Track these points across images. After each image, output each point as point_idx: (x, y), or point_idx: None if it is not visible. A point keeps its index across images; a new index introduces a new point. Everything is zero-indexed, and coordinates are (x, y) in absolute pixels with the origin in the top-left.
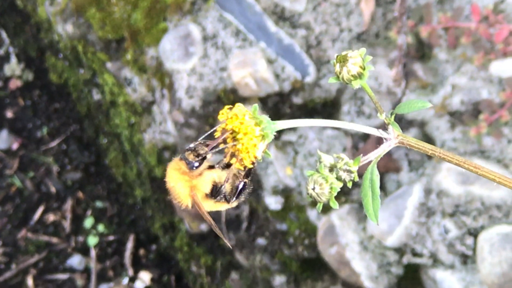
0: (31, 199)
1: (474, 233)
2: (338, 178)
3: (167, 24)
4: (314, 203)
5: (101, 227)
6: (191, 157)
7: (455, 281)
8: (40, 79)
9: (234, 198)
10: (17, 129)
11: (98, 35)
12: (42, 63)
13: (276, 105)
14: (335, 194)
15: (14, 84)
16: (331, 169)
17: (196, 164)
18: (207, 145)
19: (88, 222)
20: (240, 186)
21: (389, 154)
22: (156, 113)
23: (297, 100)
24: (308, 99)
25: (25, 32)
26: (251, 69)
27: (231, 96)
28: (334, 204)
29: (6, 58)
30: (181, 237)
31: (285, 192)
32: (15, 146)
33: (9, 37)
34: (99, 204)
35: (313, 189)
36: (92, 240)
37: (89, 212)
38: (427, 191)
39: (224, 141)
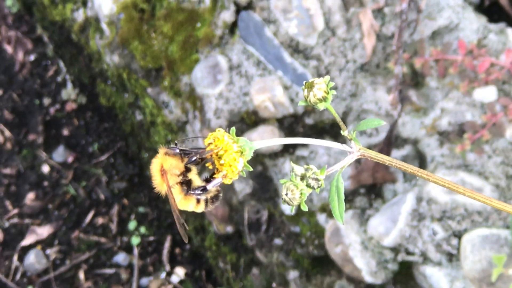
0: (83, 204)
1: (458, 235)
2: (308, 186)
3: (199, 55)
4: (323, 209)
5: (143, 229)
6: (172, 145)
7: (442, 276)
8: (92, 102)
9: (194, 192)
10: (72, 145)
11: (140, 65)
12: (94, 88)
13: (291, 125)
14: (305, 198)
15: (70, 106)
16: (302, 178)
17: (177, 150)
18: (193, 153)
19: (132, 225)
20: (200, 189)
21: (386, 168)
22: (189, 131)
23: (309, 121)
24: (318, 120)
25: (79, 62)
26: (269, 94)
27: (253, 117)
28: (304, 207)
29: (63, 84)
30: (210, 237)
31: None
32: (70, 159)
33: (65, 66)
34: (141, 209)
35: (286, 194)
36: (135, 240)
37: (132, 216)
38: (419, 199)
39: (211, 158)
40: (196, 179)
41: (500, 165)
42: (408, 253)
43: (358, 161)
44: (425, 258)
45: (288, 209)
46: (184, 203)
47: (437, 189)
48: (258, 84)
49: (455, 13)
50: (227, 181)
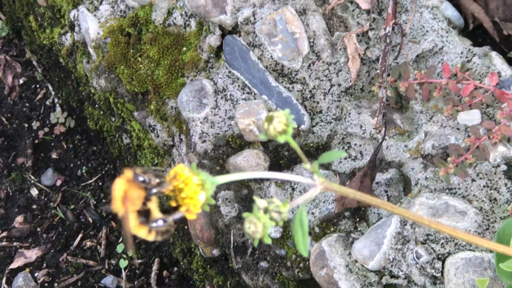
0: (71, 227)
1: (442, 258)
2: (271, 218)
3: (185, 79)
4: (308, 232)
5: (130, 252)
6: (137, 173)
7: None
8: (80, 125)
9: (152, 225)
10: (61, 168)
11: (126, 88)
12: (82, 112)
13: (276, 148)
14: (268, 231)
15: (58, 130)
16: (265, 211)
17: (141, 179)
18: (155, 185)
19: (120, 248)
20: (160, 223)
21: (371, 191)
22: (175, 154)
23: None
24: (303, 144)
25: (67, 86)
26: (254, 118)
27: (238, 141)
28: (267, 239)
29: (52, 108)
30: (196, 260)
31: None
32: (58, 182)
33: (54, 89)
34: None
35: (249, 228)
36: (123, 263)
37: (120, 239)
38: (403, 222)
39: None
40: (155, 210)
41: (483, 188)
42: (392, 276)
43: (343, 183)
44: (409, 281)
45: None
46: (137, 229)
47: (421, 213)
48: (243, 108)
49: (439, 37)
50: (191, 216)
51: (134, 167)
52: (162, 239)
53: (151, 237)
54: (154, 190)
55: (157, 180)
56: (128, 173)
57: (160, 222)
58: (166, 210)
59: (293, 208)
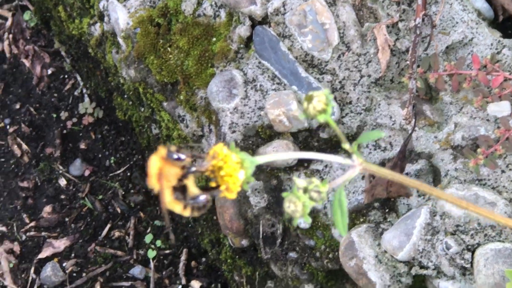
0: (99, 218)
1: (472, 249)
2: (310, 198)
3: (214, 69)
4: None
5: (158, 242)
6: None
7: None
8: (108, 116)
9: (189, 200)
10: (89, 158)
11: (156, 79)
12: (110, 102)
13: (306, 139)
14: (308, 211)
15: (87, 120)
16: (305, 191)
17: (177, 157)
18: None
19: (148, 238)
20: (201, 199)
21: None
22: (204, 145)
23: (323, 135)
24: (332, 135)
25: (96, 76)
26: (284, 108)
27: (267, 131)
28: (307, 219)
29: (80, 98)
30: (225, 251)
31: (313, 213)
32: (87, 173)
33: (83, 80)
34: (157, 223)
35: (288, 207)
36: (151, 253)
37: (149, 230)
38: (433, 213)
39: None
40: (192, 186)
41: None
42: (422, 267)
43: (372, 175)
44: (439, 272)
45: (303, 223)
46: (173, 205)
47: (451, 203)
48: (273, 99)
49: (469, 28)
50: (231, 195)
51: (168, 145)
52: (198, 215)
53: (186, 213)
54: (193, 169)
55: (191, 158)
56: (162, 150)
57: (200, 198)
58: (204, 187)
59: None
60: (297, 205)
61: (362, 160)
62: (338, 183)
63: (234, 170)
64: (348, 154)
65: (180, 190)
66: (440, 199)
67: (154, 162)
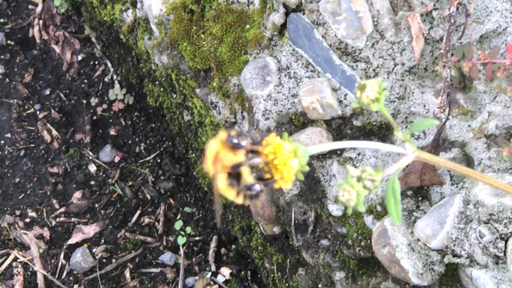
0: (129, 204)
1: (505, 238)
2: (364, 187)
3: (248, 56)
4: (370, 210)
5: (188, 229)
6: (233, 134)
7: (488, 278)
8: (139, 102)
9: (244, 189)
10: (119, 145)
11: (189, 65)
12: (141, 88)
13: (339, 126)
14: (362, 199)
15: (117, 106)
16: (358, 180)
17: (235, 142)
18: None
19: (178, 225)
20: (256, 188)
21: (434, 170)
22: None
23: (357, 123)
24: (366, 122)
25: (127, 62)
26: (318, 96)
27: (301, 118)
28: (361, 207)
29: (110, 84)
30: (256, 238)
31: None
32: (116, 159)
33: (113, 66)
34: (187, 209)
35: (343, 196)
36: (181, 240)
37: (178, 216)
38: (466, 202)
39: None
40: (246, 174)
41: None
42: (455, 255)
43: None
44: (472, 261)
45: (335, 211)
46: (226, 191)
47: (484, 192)
48: (306, 86)
49: (503, 17)
50: (285, 184)
51: (229, 129)
52: (250, 203)
53: (239, 200)
54: (252, 160)
55: (250, 143)
56: (222, 134)
57: (255, 187)
58: (258, 176)
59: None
60: (351, 194)
61: (415, 149)
62: (391, 171)
63: (288, 158)
64: (382, 141)
65: (235, 177)
66: (485, 183)
67: (212, 146)
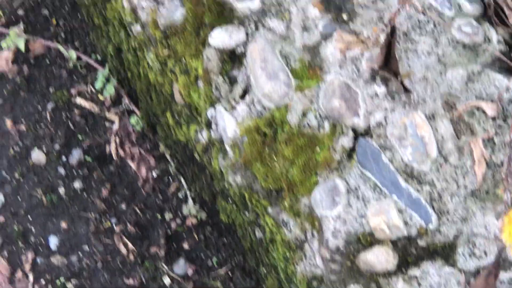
0: None
1: None
2: None
3: (318, 178)
4: None
5: None
6: None
7: None
8: (211, 218)
9: None
10: (192, 258)
11: (261, 185)
12: (214, 205)
13: (404, 246)
14: None
15: (190, 221)
16: None
17: None
18: None
19: None
20: None
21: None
22: (307, 249)
23: (422, 243)
24: (430, 243)
25: (200, 180)
26: (385, 217)
27: (369, 238)
28: None
29: (184, 200)
30: None
31: None
32: (190, 272)
33: (187, 183)
34: None
35: None
36: None
37: None
38: None
39: None
40: None
41: None
42: None
43: (467, 282)
44: None
45: None
46: None
47: None
48: (374, 207)
49: None
50: None
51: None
52: None
53: None
54: None
55: None
56: None
57: None
58: None
59: None
60: None
61: None
62: None
63: None
64: (445, 260)
65: None
66: None
67: None
